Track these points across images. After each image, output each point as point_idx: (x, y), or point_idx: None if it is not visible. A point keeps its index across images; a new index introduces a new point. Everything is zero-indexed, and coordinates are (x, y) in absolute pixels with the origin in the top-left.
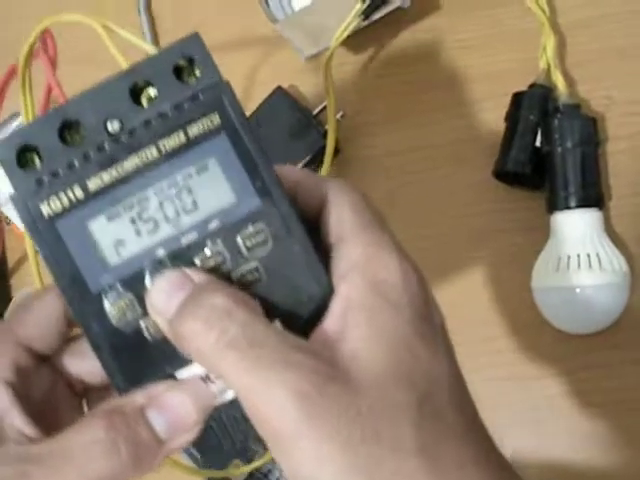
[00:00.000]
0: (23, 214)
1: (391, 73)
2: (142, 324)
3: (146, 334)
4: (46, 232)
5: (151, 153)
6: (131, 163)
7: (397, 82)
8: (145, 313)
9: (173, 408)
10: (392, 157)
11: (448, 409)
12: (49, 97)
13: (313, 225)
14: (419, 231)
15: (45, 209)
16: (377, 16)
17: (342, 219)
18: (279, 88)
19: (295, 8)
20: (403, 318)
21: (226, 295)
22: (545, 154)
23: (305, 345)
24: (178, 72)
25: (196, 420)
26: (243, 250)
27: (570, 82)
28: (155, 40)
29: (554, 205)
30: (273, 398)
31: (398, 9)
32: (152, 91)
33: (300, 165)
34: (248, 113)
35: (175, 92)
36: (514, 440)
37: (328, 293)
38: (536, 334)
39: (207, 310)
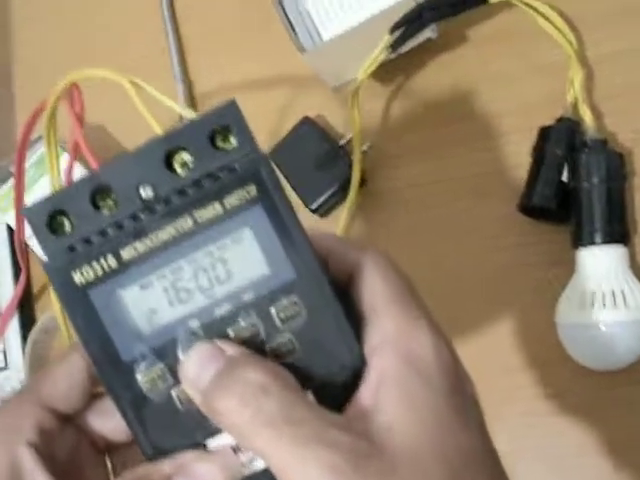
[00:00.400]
0: (55, 282)
1: (418, 104)
2: (173, 393)
3: (177, 403)
4: (78, 301)
5: (186, 223)
6: (166, 233)
7: (424, 113)
8: (176, 383)
9: (201, 478)
10: (417, 189)
11: None
12: (75, 155)
13: (344, 291)
14: (442, 263)
15: (78, 278)
16: (405, 49)
17: (374, 290)
18: (306, 118)
19: (324, 38)
20: (436, 392)
21: (260, 370)
22: (571, 189)
23: (340, 421)
24: (214, 140)
25: None
26: (277, 322)
27: (597, 116)
28: (186, 77)
29: (579, 240)
30: (308, 475)
31: (426, 40)
32: (187, 158)
33: (326, 196)
34: (275, 143)
35: (211, 160)
36: (536, 476)
37: (360, 362)
38: (559, 370)
39: (241, 386)
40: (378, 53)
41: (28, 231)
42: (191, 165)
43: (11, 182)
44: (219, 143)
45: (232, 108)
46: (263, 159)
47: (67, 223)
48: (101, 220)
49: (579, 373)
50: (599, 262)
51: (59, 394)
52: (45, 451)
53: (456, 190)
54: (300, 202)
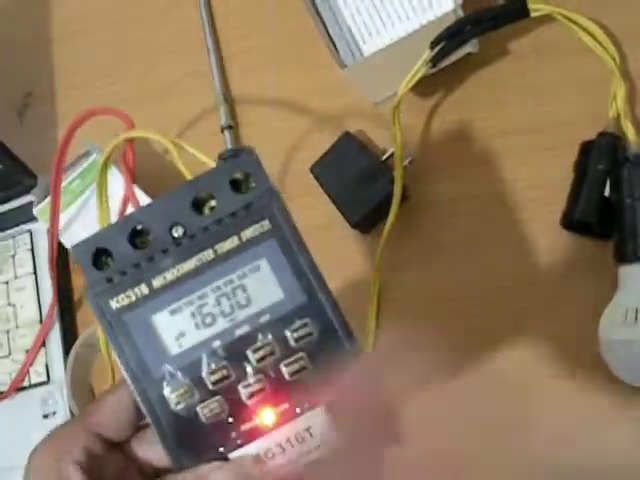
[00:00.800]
0: (95, 308)
1: (458, 119)
2: (199, 409)
3: (202, 418)
4: (115, 324)
5: (208, 254)
6: (190, 264)
7: (464, 128)
8: (201, 399)
9: None
10: (459, 204)
11: None
12: (125, 207)
13: None
14: (484, 278)
15: (114, 304)
16: (445, 63)
17: None
18: (347, 133)
19: (364, 54)
20: None
21: None
22: (614, 204)
23: None
24: (234, 183)
25: None
26: (291, 342)
27: None
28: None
29: (622, 256)
30: None
31: (467, 54)
32: (211, 200)
33: (367, 211)
34: (316, 159)
35: (231, 201)
36: None
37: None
38: (601, 384)
39: None
40: (418, 68)
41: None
42: (215, 206)
43: None
44: (240, 188)
45: (251, 156)
46: (275, 196)
47: (108, 259)
48: (136, 257)
49: (623, 390)
50: None
51: (107, 423)
52: (92, 471)
53: (497, 205)
54: (342, 217)
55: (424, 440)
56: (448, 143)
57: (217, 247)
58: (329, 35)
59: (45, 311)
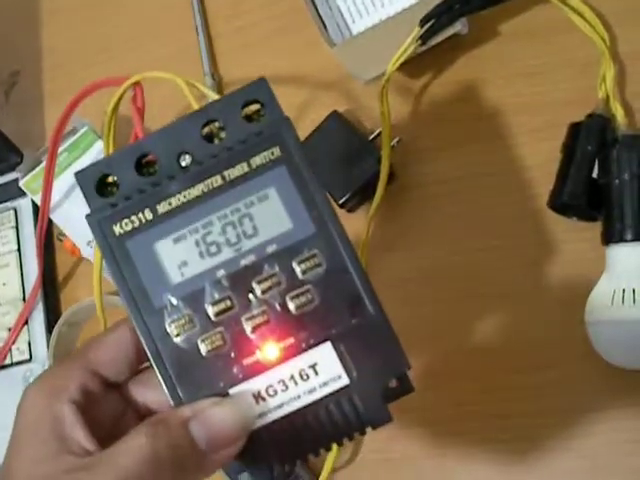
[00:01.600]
0: (96, 232)
1: (448, 100)
2: (199, 340)
3: (202, 350)
4: (116, 249)
5: (216, 180)
6: (197, 190)
7: (454, 109)
8: (202, 330)
9: (214, 422)
10: (446, 184)
11: None
12: None
13: None
14: (470, 259)
15: (117, 229)
16: (435, 41)
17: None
18: (335, 112)
19: (353, 32)
20: None
21: None
22: (602, 185)
23: None
24: (245, 112)
25: (237, 436)
26: (298, 273)
27: (629, 113)
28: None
29: (610, 237)
30: None
31: (457, 35)
32: (221, 129)
33: (354, 191)
34: (304, 137)
35: (241, 130)
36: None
37: (378, 311)
38: (588, 368)
39: None
40: (407, 45)
41: (56, 217)
42: (224, 135)
43: (42, 165)
44: (251, 116)
45: (262, 84)
46: (286, 123)
47: (113, 186)
48: (142, 182)
49: (609, 372)
50: (630, 259)
51: (106, 360)
52: (88, 411)
53: (485, 186)
54: (328, 197)
55: None
56: (437, 124)
57: (225, 173)
58: (319, 15)
59: (28, 289)
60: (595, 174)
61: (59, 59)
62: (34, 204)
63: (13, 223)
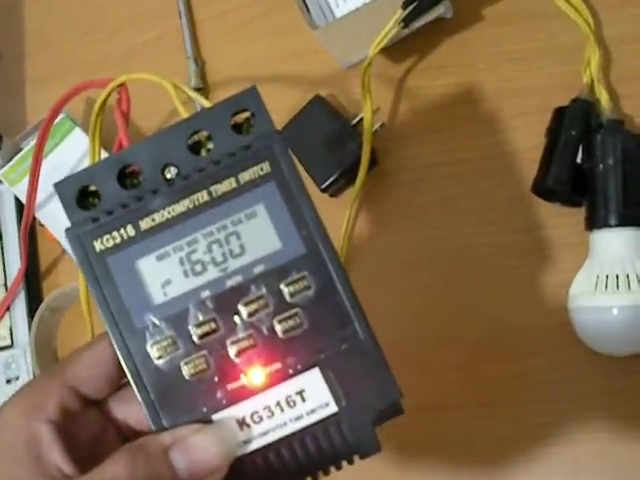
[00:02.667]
0: (76, 248)
1: (431, 84)
2: (182, 363)
3: (185, 374)
4: (96, 266)
5: (202, 196)
6: (182, 206)
7: (437, 94)
8: (185, 353)
9: (196, 451)
10: (429, 170)
11: None
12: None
13: None
14: (452, 244)
15: (97, 245)
16: (418, 24)
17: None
18: (318, 97)
19: (337, 15)
20: None
21: None
22: (586, 170)
23: None
24: (234, 123)
25: (219, 465)
26: (286, 295)
27: (614, 98)
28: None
29: (593, 223)
30: None
31: (441, 19)
32: (209, 140)
33: (336, 176)
34: (286, 121)
35: (230, 142)
36: (548, 461)
37: (368, 336)
38: (571, 354)
39: None
40: (390, 27)
41: (41, 207)
42: (212, 146)
43: (20, 155)
44: (240, 127)
45: (252, 94)
46: (277, 138)
47: (94, 198)
48: (125, 197)
49: (591, 359)
50: (613, 245)
51: (85, 377)
52: (67, 431)
53: (469, 171)
54: (311, 181)
55: None
56: (420, 108)
57: (212, 189)
58: None
59: (9, 274)
60: (579, 159)
61: (41, 43)
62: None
63: None
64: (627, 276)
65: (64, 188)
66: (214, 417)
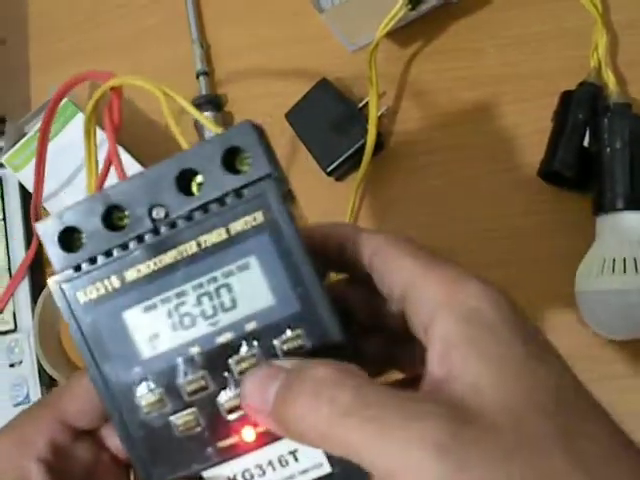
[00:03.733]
0: (59, 299)
1: (439, 68)
2: (171, 419)
3: (175, 430)
4: (81, 318)
5: (191, 247)
6: (170, 257)
7: (445, 78)
8: (175, 409)
9: None
10: (436, 154)
11: (589, 422)
12: (108, 169)
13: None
14: (459, 229)
15: (81, 296)
16: (425, 7)
17: (403, 267)
18: (324, 80)
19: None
20: (508, 339)
21: (326, 366)
22: (593, 154)
23: (423, 396)
24: (228, 161)
25: None
26: (279, 354)
27: (621, 81)
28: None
29: (600, 207)
30: (409, 459)
31: (448, 3)
32: (199, 179)
33: (341, 159)
34: (292, 105)
35: (222, 183)
36: None
37: None
38: (577, 338)
39: (312, 383)
40: (397, 10)
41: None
42: (202, 187)
43: (23, 140)
44: (233, 166)
45: (246, 130)
46: (273, 184)
47: (78, 240)
48: (110, 239)
49: (597, 342)
50: (620, 228)
51: (77, 410)
52: (58, 467)
53: (476, 155)
54: (317, 165)
55: None
56: (426, 92)
57: (201, 240)
58: None
59: (14, 258)
60: (586, 143)
61: (44, 28)
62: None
63: None
64: (634, 259)
65: (47, 229)
66: (205, 474)
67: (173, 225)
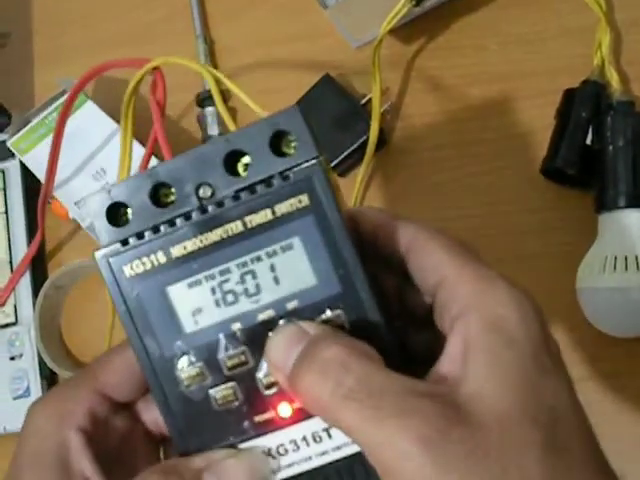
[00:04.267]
0: (106, 271)
1: (442, 65)
2: (211, 393)
3: (214, 403)
4: (126, 291)
5: (236, 227)
6: (216, 235)
7: (448, 75)
8: (215, 383)
9: (229, 475)
10: (439, 151)
11: (573, 443)
12: (152, 149)
13: (402, 270)
14: (461, 226)
15: (127, 270)
16: (429, 4)
17: (440, 259)
18: (327, 76)
19: None
20: (523, 353)
21: (338, 346)
22: (596, 152)
23: (425, 389)
24: (274, 145)
25: None
26: None
27: (625, 80)
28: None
29: (603, 204)
30: (396, 448)
31: (452, 1)
32: (246, 160)
33: (344, 154)
34: (295, 100)
35: (269, 165)
36: None
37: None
38: (579, 335)
39: (321, 363)
40: (401, 6)
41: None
42: (249, 168)
43: (30, 125)
44: (281, 149)
45: (294, 114)
46: (319, 168)
47: (125, 215)
48: (157, 215)
49: (599, 339)
50: (622, 226)
51: (116, 383)
52: (96, 437)
53: (477, 153)
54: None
55: None
56: (429, 89)
57: (247, 219)
58: None
59: (15, 251)
60: (589, 141)
61: (49, 22)
62: (22, 165)
63: (1, 185)
64: (636, 257)
65: (94, 203)
66: (241, 446)
67: (220, 204)
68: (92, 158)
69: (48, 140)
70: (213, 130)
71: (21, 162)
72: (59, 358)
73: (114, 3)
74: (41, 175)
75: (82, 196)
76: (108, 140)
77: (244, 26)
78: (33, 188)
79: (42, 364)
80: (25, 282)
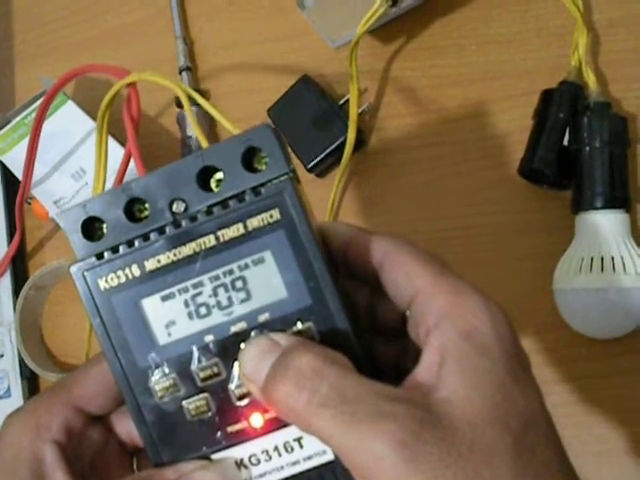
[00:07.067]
0: (81, 285)
1: (420, 66)
2: (184, 404)
3: (187, 414)
4: (101, 304)
5: (209, 240)
6: (189, 249)
7: (426, 75)
8: (188, 394)
9: None
10: (417, 151)
11: (541, 446)
12: (127, 164)
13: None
14: (439, 226)
15: (102, 283)
16: (406, 4)
17: (413, 273)
18: (305, 77)
19: None
20: (495, 362)
21: (313, 354)
22: (573, 153)
23: (399, 394)
24: (247, 160)
25: None
26: None
27: (602, 81)
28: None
29: (579, 205)
30: (371, 451)
31: (430, 1)
32: (219, 176)
33: (322, 155)
34: (274, 101)
35: (241, 180)
36: None
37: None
38: (555, 337)
39: (295, 372)
40: (377, 7)
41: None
42: (222, 184)
43: (10, 125)
44: (251, 164)
45: (265, 132)
46: (289, 183)
47: (100, 229)
48: (132, 230)
49: (576, 341)
50: (599, 227)
51: (90, 395)
52: (70, 450)
53: (455, 153)
54: (298, 161)
55: None
56: (408, 89)
57: (220, 234)
58: None
59: None
60: (566, 141)
61: (30, 22)
62: (2, 165)
63: None
64: (612, 258)
65: (69, 218)
66: (213, 457)
67: (193, 219)
68: (72, 158)
69: (26, 141)
70: (192, 131)
71: (1, 162)
72: (40, 359)
73: (94, 3)
74: (21, 175)
75: (61, 196)
76: (88, 140)
77: (224, 27)
78: (13, 188)
79: (23, 365)
80: (5, 282)
